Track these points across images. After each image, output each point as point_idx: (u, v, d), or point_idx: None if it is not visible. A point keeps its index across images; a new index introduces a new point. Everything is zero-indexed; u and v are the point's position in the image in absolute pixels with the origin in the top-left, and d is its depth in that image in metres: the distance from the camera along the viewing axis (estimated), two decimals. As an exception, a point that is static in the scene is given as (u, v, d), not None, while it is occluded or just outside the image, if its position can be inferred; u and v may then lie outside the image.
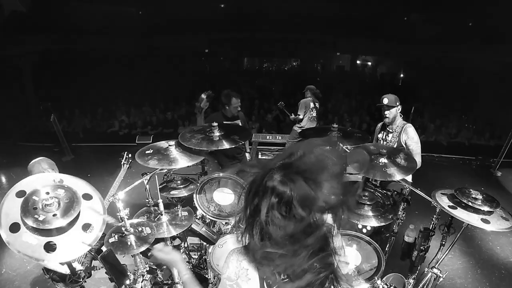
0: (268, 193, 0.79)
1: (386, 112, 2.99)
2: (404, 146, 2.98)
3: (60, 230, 1.45)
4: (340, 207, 0.81)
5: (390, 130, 3.09)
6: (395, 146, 3.02)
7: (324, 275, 0.83)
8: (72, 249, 1.46)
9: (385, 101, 2.96)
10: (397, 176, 2.13)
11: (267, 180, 0.80)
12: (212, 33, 14.22)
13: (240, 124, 3.60)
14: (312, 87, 5.33)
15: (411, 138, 2.94)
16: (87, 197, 1.65)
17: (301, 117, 5.14)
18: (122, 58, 12.81)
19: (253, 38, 14.36)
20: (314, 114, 5.22)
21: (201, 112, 3.28)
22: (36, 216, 1.39)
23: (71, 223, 1.48)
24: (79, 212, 1.52)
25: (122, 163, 2.66)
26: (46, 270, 2.29)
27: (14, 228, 1.37)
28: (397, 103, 2.98)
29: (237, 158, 3.74)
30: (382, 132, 3.19)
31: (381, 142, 3.17)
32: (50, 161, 2.32)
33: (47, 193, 1.46)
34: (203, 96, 3.23)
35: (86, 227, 1.54)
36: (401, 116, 3.06)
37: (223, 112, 3.57)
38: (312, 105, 5.16)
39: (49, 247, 1.38)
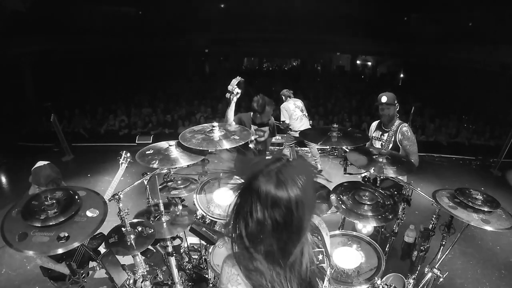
0: (254, 196, 0.79)
1: (385, 111, 2.92)
2: (400, 146, 2.92)
3: (66, 222, 1.47)
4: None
5: (386, 130, 3.02)
6: (390, 146, 2.96)
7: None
8: (85, 229, 1.49)
9: (384, 99, 2.89)
10: (393, 174, 2.13)
11: (254, 183, 0.80)
12: (212, 33, 14.23)
13: (268, 132, 3.33)
14: (283, 91, 5.23)
15: (407, 138, 2.88)
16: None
17: (287, 121, 5.02)
18: (122, 58, 12.82)
19: (253, 38, 14.36)
20: (300, 113, 5.02)
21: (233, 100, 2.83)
22: (37, 216, 1.42)
23: (74, 214, 1.52)
24: (80, 207, 1.55)
25: (120, 162, 2.60)
26: (44, 269, 2.30)
27: (22, 237, 1.41)
28: (395, 102, 2.92)
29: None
30: (377, 131, 3.12)
31: (376, 141, 3.10)
32: (56, 168, 2.26)
33: (46, 197, 1.49)
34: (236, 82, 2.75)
35: (91, 211, 1.57)
36: (397, 116, 3.01)
37: (252, 116, 3.28)
38: (292, 106, 5.01)
39: (62, 238, 1.41)
